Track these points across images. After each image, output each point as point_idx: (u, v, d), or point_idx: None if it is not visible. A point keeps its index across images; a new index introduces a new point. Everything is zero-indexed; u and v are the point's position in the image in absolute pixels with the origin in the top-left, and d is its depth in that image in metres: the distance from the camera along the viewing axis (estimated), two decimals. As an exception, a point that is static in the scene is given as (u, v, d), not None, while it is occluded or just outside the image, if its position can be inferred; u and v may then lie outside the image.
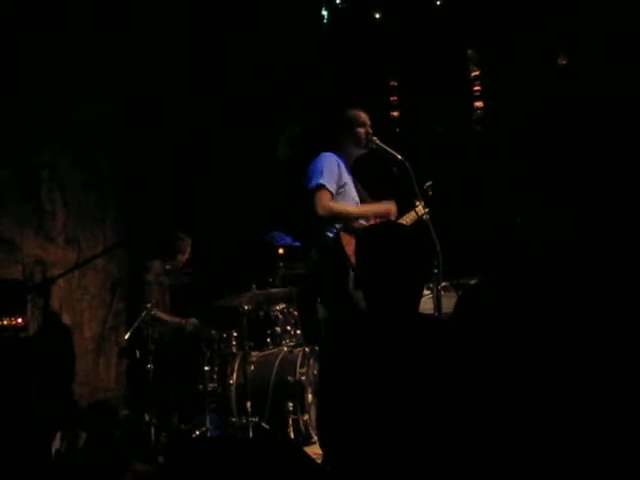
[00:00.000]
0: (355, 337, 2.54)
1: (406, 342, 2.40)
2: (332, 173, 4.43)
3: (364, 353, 2.45)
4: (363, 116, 4.70)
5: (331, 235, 4.40)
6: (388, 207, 4.65)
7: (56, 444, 5.07)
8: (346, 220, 4.42)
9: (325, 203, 4.35)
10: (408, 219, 4.71)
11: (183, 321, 6.00)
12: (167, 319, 5.94)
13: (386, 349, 2.40)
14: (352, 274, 4.28)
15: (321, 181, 4.36)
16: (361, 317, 2.84)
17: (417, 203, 4.74)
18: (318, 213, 4.36)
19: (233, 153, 7.34)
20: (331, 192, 4.39)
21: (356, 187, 4.68)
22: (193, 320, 6.02)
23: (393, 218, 4.65)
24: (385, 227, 3.01)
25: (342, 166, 4.52)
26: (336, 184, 4.42)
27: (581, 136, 6.01)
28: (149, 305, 5.46)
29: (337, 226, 4.41)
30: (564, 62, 6.62)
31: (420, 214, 4.72)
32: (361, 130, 4.65)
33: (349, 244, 4.31)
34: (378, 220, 4.52)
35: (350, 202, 4.55)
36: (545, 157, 6.24)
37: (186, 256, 6.33)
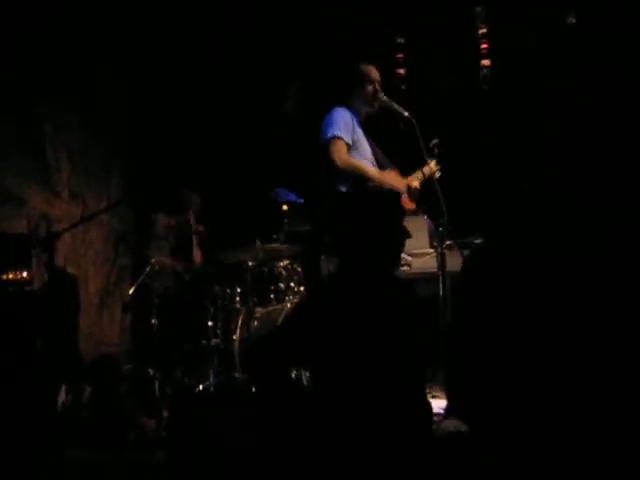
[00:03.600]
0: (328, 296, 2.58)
1: (372, 301, 2.43)
2: (347, 125, 4.39)
3: (334, 313, 2.49)
4: (374, 72, 4.68)
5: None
6: (399, 182, 4.61)
7: (61, 397, 5.12)
8: (360, 178, 4.37)
9: (343, 154, 4.30)
10: (417, 179, 4.70)
11: (187, 262, 6.01)
12: (170, 263, 5.94)
13: (353, 310, 2.44)
14: None
15: (337, 133, 4.32)
16: (335, 277, 2.87)
17: (428, 161, 4.72)
18: (336, 164, 4.30)
19: (238, 108, 7.30)
20: (347, 144, 4.34)
21: (374, 150, 4.65)
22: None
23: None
24: (359, 194, 3.03)
25: (355, 120, 4.49)
26: (351, 137, 4.39)
27: (588, 99, 5.97)
28: (154, 260, 5.47)
29: (344, 187, 4.38)
30: (572, 21, 6.55)
31: (428, 173, 4.70)
32: (370, 87, 4.63)
33: None
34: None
35: (366, 162, 4.52)
36: (553, 118, 6.21)
37: (194, 213, 6.33)
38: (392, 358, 2.39)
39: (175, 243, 6.20)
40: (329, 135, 4.34)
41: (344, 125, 4.39)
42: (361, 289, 2.53)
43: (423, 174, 4.75)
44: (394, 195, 3.63)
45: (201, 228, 6.35)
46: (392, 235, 2.63)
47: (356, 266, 2.57)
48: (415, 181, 4.73)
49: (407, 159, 4.77)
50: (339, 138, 4.33)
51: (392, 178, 4.59)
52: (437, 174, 4.70)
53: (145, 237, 6.04)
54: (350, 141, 4.38)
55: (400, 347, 2.38)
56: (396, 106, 4.65)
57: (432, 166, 4.77)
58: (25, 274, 5.04)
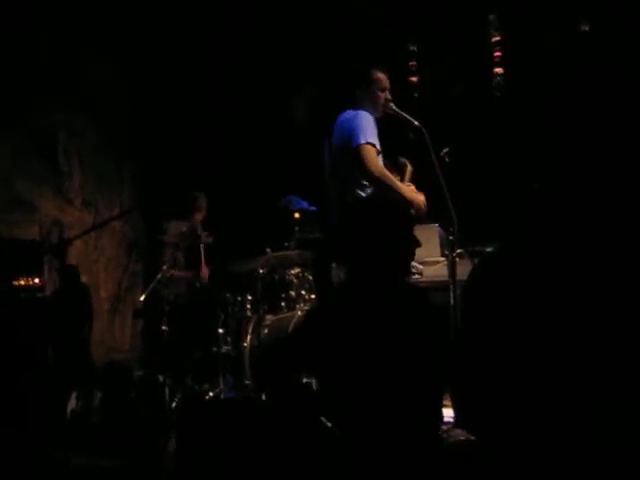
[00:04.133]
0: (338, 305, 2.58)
1: (383, 309, 2.43)
2: (375, 131, 4.33)
3: (345, 320, 2.48)
4: (386, 81, 4.65)
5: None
6: (421, 199, 4.57)
7: (72, 403, 5.13)
8: (387, 189, 4.31)
9: (378, 162, 4.24)
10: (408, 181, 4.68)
11: (197, 274, 6.02)
12: (182, 275, 5.96)
13: (364, 317, 2.44)
14: None
15: (369, 139, 4.26)
16: (345, 285, 2.86)
17: (404, 161, 4.70)
18: (371, 172, 4.22)
19: (250, 115, 7.31)
20: (378, 151, 4.30)
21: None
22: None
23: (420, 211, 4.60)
24: (370, 202, 3.01)
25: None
26: (379, 145, 4.35)
27: (601, 105, 5.95)
28: (165, 267, 5.48)
29: (366, 191, 4.34)
30: (586, 28, 6.53)
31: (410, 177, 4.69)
32: (381, 95, 4.60)
33: None
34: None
35: None
36: (565, 125, 6.19)
37: (202, 214, 6.33)
38: (403, 366, 2.38)
39: (186, 252, 6.21)
40: (362, 141, 4.24)
41: (372, 131, 4.32)
42: (372, 297, 2.52)
43: (410, 181, 4.72)
44: (404, 203, 3.60)
45: (207, 237, 6.34)
46: (402, 243, 2.62)
47: (366, 274, 2.57)
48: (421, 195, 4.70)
49: (418, 167, 4.76)
50: (372, 145, 4.27)
51: (412, 192, 4.55)
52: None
53: (157, 245, 6.04)
54: (379, 147, 4.35)
55: (412, 355, 2.38)
56: (406, 115, 4.62)
57: (410, 168, 4.75)
58: (37, 280, 5.06)
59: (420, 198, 4.58)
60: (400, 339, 2.39)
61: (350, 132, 4.34)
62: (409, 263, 2.67)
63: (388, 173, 4.36)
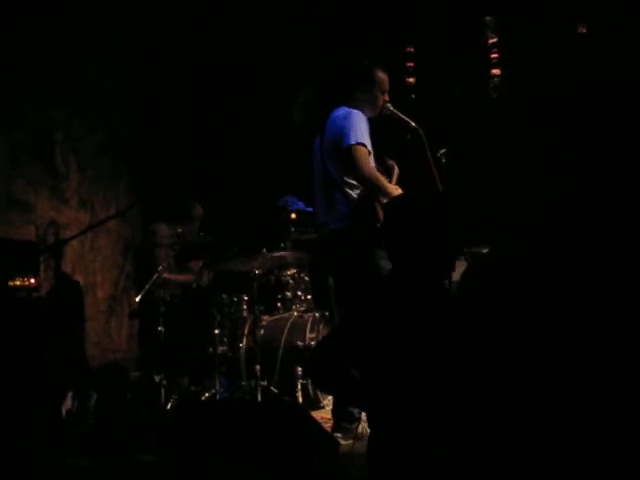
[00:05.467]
0: (377, 302, 2.56)
1: (423, 312, 2.41)
2: (367, 131, 4.30)
3: (384, 317, 2.47)
4: (387, 82, 4.62)
5: (357, 200, 4.32)
6: None
7: (67, 404, 5.12)
8: (376, 192, 4.30)
9: (368, 163, 4.22)
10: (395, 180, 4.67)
11: (190, 277, 6.01)
12: (174, 278, 5.95)
13: (404, 317, 2.42)
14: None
15: (361, 139, 4.23)
16: (385, 282, 2.83)
17: (391, 163, 4.69)
18: (361, 172, 4.20)
19: (247, 116, 7.31)
20: (369, 151, 4.28)
21: None
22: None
23: None
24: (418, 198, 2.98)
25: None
26: (370, 146, 4.32)
27: (599, 106, 5.95)
28: (160, 268, 5.47)
29: (355, 191, 4.33)
30: (583, 30, 6.54)
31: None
32: (381, 97, 4.57)
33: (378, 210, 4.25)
34: None
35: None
36: (562, 126, 6.19)
37: (198, 223, 6.33)
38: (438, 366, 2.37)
39: (180, 251, 6.19)
40: (353, 141, 4.20)
41: (364, 131, 4.28)
42: (412, 296, 2.51)
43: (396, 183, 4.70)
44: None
45: (205, 237, 6.33)
46: (447, 241, 2.61)
47: (409, 272, 2.55)
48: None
49: (415, 168, 4.76)
50: (364, 145, 4.24)
51: (397, 190, 4.54)
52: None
53: (148, 246, 6.02)
54: (371, 148, 4.32)
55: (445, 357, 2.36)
56: (403, 116, 4.61)
57: (397, 171, 4.73)
58: (33, 280, 5.06)
59: None
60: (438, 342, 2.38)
61: (342, 130, 4.30)
62: (453, 263, 2.66)
63: (379, 174, 4.35)
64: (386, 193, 4.31)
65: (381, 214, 4.21)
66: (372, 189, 4.28)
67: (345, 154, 4.25)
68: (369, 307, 2.58)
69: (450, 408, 2.28)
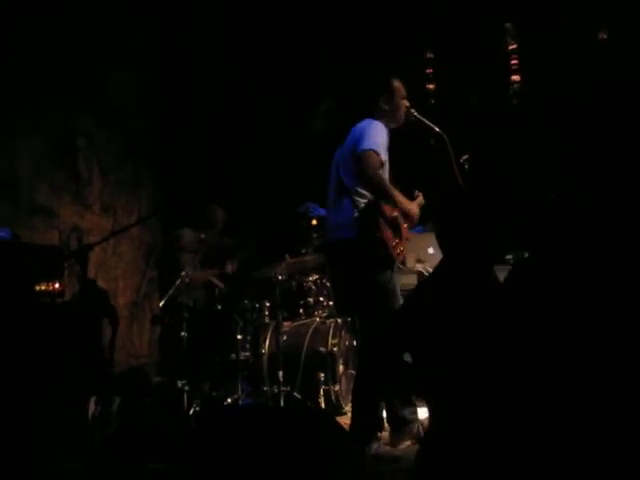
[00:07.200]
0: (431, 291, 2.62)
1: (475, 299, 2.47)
2: (383, 143, 4.34)
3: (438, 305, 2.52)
4: (402, 89, 4.66)
5: (361, 209, 4.34)
6: (414, 209, 4.59)
7: (91, 408, 5.14)
8: (382, 197, 4.32)
9: (376, 168, 4.25)
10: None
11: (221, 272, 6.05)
12: (202, 276, 5.98)
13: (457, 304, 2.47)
14: (383, 250, 4.25)
15: (374, 147, 4.26)
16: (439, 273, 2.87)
17: (417, 194, 4.71)
18: (367, 175, 4.22)
19: (269, 124, 7.34)
20: (381, 161, 4.30)
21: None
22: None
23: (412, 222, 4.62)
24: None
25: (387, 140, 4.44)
26: (385, 155, 4.34)
27: (619, 112, 5.94)
28: (183, 273, 5.49)
29: (364, 200, 4.35)
30: (604, 37, 6.53)
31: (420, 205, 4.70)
32: (401, 103, 4.60)
33: (381, 221, 4.28)
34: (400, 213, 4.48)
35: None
36: (582, 132, 6.18)
37: (219, 228, 6.37)
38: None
39: (205, 256, 6.22)
40: (366, 147, 4.24)
41: (381, 142, 4.31)
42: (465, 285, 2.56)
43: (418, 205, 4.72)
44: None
45: (227, 240, 6.37)
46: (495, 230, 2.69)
47: (462, 262, 2.61)
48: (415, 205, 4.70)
49: (438, 173, 4.77)
50: (375, 152, 4.26)
51: (407, 202, 4.55)
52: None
53: (171, 251, 6.05)
54: (384, 158, 4.35)
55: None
56: (427, 122, 4.63)
57: (421, 200, 4.74)
58: (57, 285, 5.07)
59: (415, 209, 4.59)
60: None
61: (358, 138, 4.35)
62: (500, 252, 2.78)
63: (386, 182, 4.36)
64: (393, 199, 4.35)
65: (384, 227, 4.27)
66: (379, 195, 4.31)
67: (356, 159, 4.29)
68: (422, 296, 2.63)
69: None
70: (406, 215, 4.50)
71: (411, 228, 4.72)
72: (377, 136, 4.33)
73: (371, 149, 4.23)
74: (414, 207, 4.57)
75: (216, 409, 5.18)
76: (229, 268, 6.10)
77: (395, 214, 4.39)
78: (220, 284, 6.05)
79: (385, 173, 4.43)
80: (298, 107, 7.40)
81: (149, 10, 7.01)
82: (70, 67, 6.29)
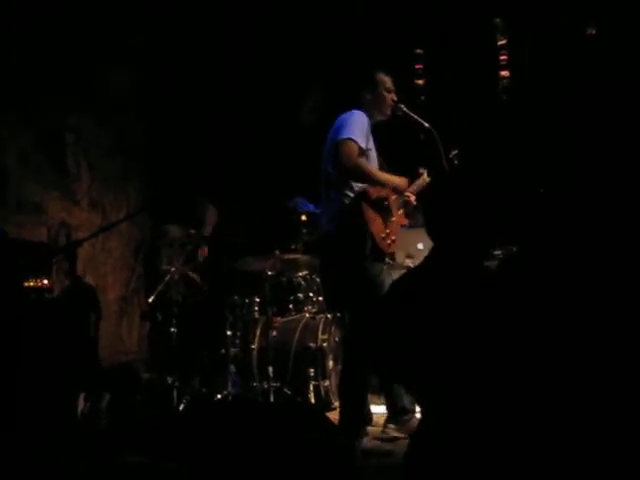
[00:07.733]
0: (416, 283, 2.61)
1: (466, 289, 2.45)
2: (363, 131, 4.33)
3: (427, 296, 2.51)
4: (389, 82, 4.67)
5: (347, 202, 4.34)
6: (403, 182, 4.60)
7: (79, 405, 5.12)
8: (366, 182, 4.33)
9: (353, 156, 4.24)
10: (412, 194, 4.68)
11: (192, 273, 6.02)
12: (181, 269, 5.96)
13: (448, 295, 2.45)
14: (370, 242, 4.25)
15: (352, 135, 4.26)
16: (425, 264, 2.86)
17: (421, 172, 4.72)
18: (344, 164, 4.23)
19: (258, 118, 7.32)
20: (360, 148, 4.30)
21: (377, 159, 4.62)
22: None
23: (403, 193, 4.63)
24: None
25: (369, 128, 4.45)
26: (365, 143, 4.34)
27: (608, 108, 5.95)
28: (173, 269, 5.48)
29: (352, 193, 4.35)
30: (592, 32, 6.53)
31: (422, 186, 4.70)
32: (387, 95, 4.62)
33: (368, 212, 4.27)
34: (391, 192, 4.48)
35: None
36: (571, 128, 6.18)
37: (212, 223, 6.35)
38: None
39: (192, 253, 6.20)
40: (344, 136, 4.25)
41: (360, 130, 4.31)
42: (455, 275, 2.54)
43: (417, 187, 4.72)
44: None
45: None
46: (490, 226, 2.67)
47: (453, 252, 2.60)
48: (412, 196, 4.70)
49: (428, 169, 4.77)
50: (353, 141, 4.26)
51: (391, 176, 4.55)
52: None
53: (156, 247, 6.03)
54: (364, 146, 4.33)
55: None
56: (416, 117, 4.64)
57: (425, 178, 4.75)
58: (46, 281, 5.05)
59: (404, 182, 4.59)
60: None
61: (337, 129, 4.38)
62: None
63: (365, 165, 4.35)
64: (376, 179, 4.36)
65: (371, 217, 4.27)
66: (363, 181, 4.33)
67: (334, 149, 4.30)
68: (410, 287, 2.62)
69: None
70: (396, 190, 4.51)
71: (406, 211, 4.71)
72: (355, 125, 4.34)
73: (348, 137, 4.25)
74: (402, 180, 4.58)
75: (205, 405, 5.17)
76: (200, 256, 6.07)
77: (382, 193, 4.39)
78: (196, 277, 6.00)
79: (372, 161, 4.44)
80: (287, 101, 7.39)
81: (143, 8, 6.99)
82: (59, 61, 6.25)
